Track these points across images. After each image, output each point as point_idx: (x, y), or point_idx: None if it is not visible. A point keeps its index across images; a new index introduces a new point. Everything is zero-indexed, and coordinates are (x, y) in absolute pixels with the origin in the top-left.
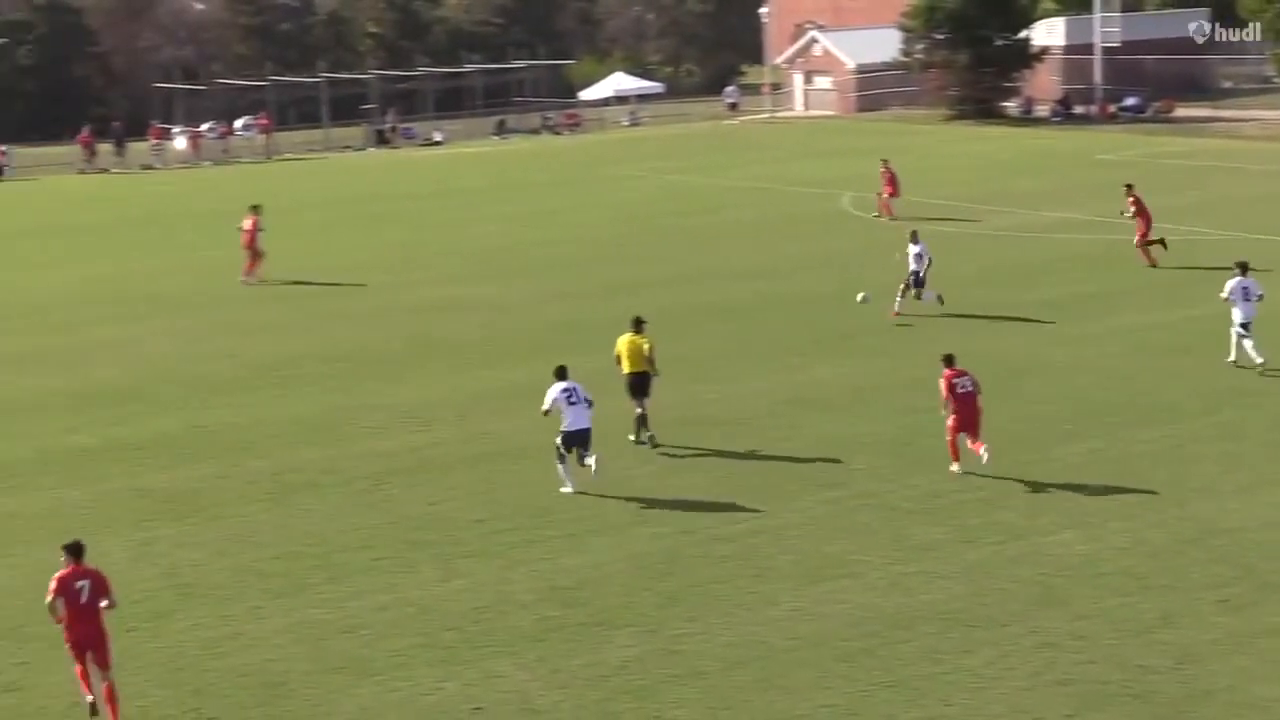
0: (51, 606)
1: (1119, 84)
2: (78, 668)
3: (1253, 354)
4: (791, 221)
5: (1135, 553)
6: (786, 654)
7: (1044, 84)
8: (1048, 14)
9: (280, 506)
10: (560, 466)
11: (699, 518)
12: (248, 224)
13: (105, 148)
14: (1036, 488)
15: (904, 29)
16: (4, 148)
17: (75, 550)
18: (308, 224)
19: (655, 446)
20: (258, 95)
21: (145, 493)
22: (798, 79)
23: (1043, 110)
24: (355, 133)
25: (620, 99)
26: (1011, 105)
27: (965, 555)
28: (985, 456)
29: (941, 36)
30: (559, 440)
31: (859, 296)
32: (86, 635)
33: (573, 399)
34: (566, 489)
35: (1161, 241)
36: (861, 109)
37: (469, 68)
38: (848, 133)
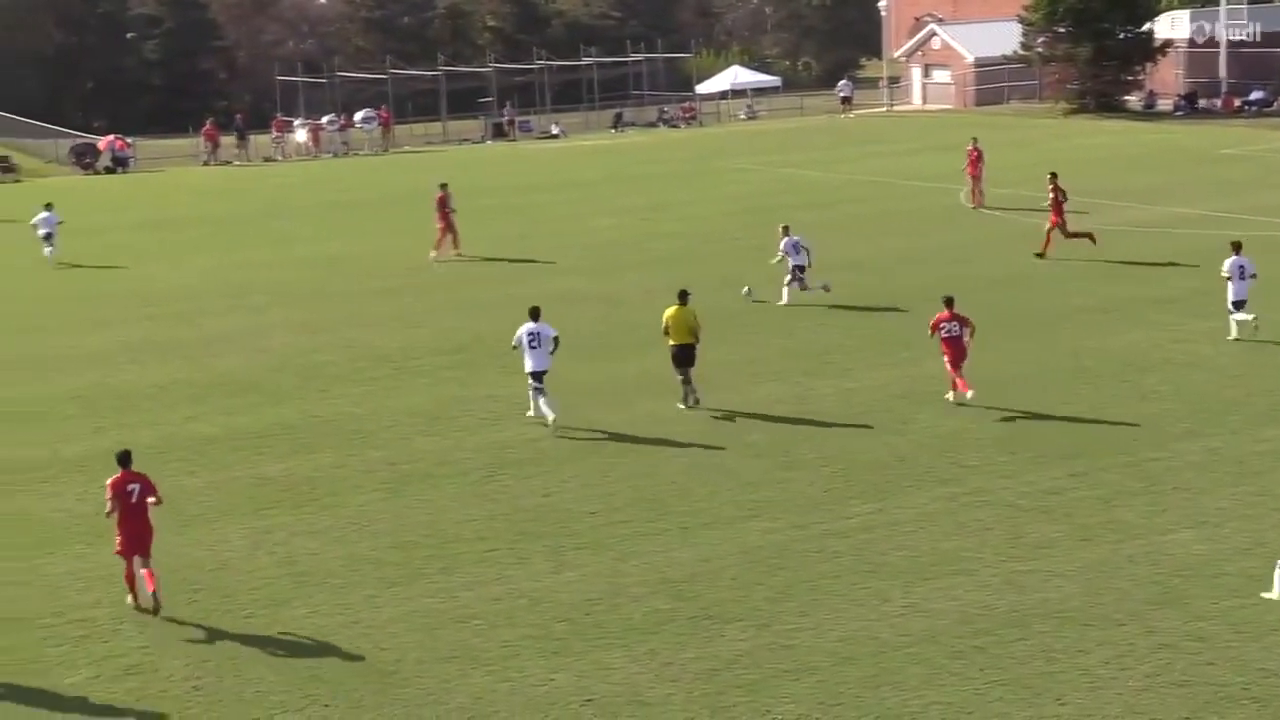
0: (111, 506)
1: (1246, 78)
2: (126, 571)
3: (1245, 319)
4: (907, 216)
5: (1256, 554)
6: (898, 650)
7: (1167, 78)
8: (1171, 6)
9: (396, 496)
10: (533, 400)
11: (811, 512)
12: (440, 204)
13: (228, 140)
14: (1155, 486)
15: (1024, 22)
16: (129, 140)
17: (124, 459)
18: (424, 216)
19: (696, 405)
20: (378, 88)
21: (264, 481)
22: (915, 72)
23: (1165, 104)
24: (473, 125)
25: (737, 92)
26: (1133, 99)
27: (1081, 554)
28: (969, 395)
29: (1063, 30)
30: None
31: (744, 290)
32: (137, 530)
33: (534, 343)
34: (544, 417)
35: (1090, 235)
36: (980, 103)
37: (586, 61)
38: (965, 126)
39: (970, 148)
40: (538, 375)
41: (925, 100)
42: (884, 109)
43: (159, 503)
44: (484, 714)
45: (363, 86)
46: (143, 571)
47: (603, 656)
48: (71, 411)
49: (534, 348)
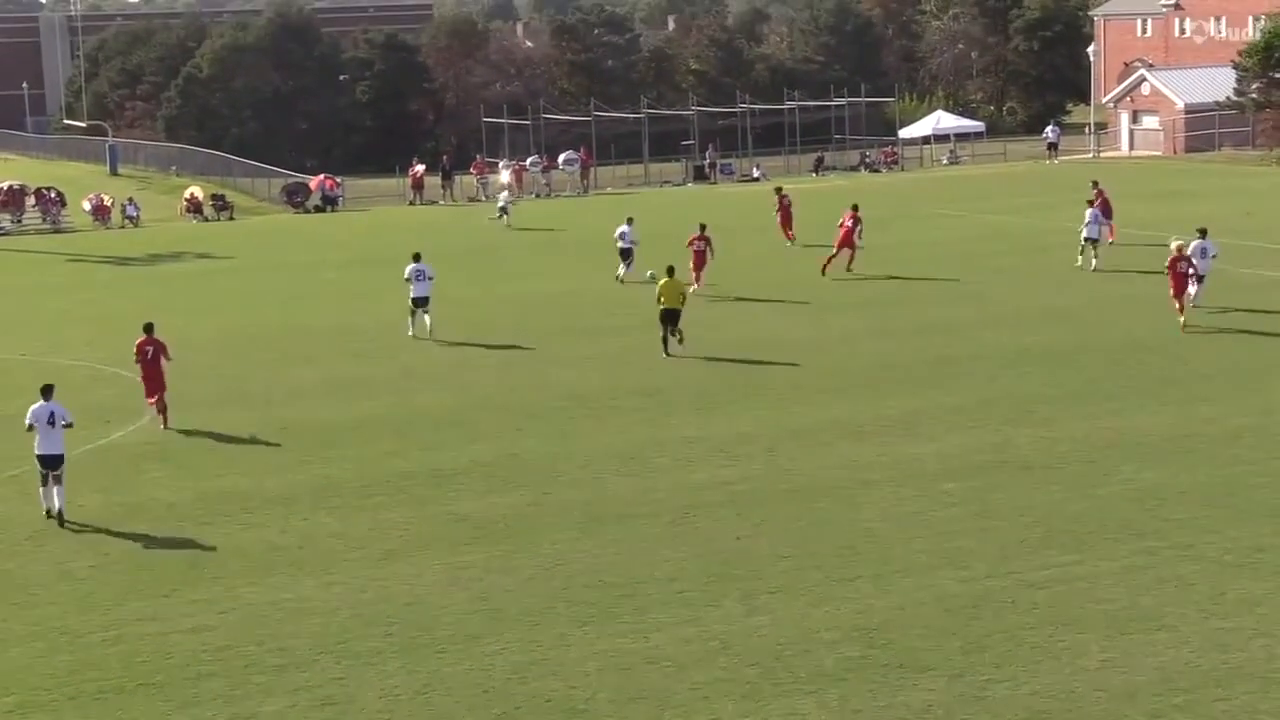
0: (138, 358)
1: None
2: (150, 401)
3: (1195, 297)
4: (1112, 263)
5: None
6: (1094, 707)
7: None
8: None
9: (589, 536)
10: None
11: (1009, 562)
12: (848, 220)
13: (433, 181)
14: None
15: (1239, 68)
16: (339, 179)
17: (148, 327)
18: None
19: (681, 342)
20: (581, 130)
21: (461, 518)
22: (1124, 118)
23: None
24: (675, 168)
25: (940, 137)
26: None
27: None
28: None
29: (1279, 76)
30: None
31: (648, 274)
32: (152, 378)
33: (419, 277)
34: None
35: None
36: (1190, 149)
37: (789, 105)
38: (1176, 174)
39: (1095, 192)
40: (423, 303)
41: (1133, 147)
42: (1090, 155)
43: (169, 360)
44: None
45: (566, 128)
46: (151, 401)
47: (793, 703)
48: (276, 444)
49: (419, 279)
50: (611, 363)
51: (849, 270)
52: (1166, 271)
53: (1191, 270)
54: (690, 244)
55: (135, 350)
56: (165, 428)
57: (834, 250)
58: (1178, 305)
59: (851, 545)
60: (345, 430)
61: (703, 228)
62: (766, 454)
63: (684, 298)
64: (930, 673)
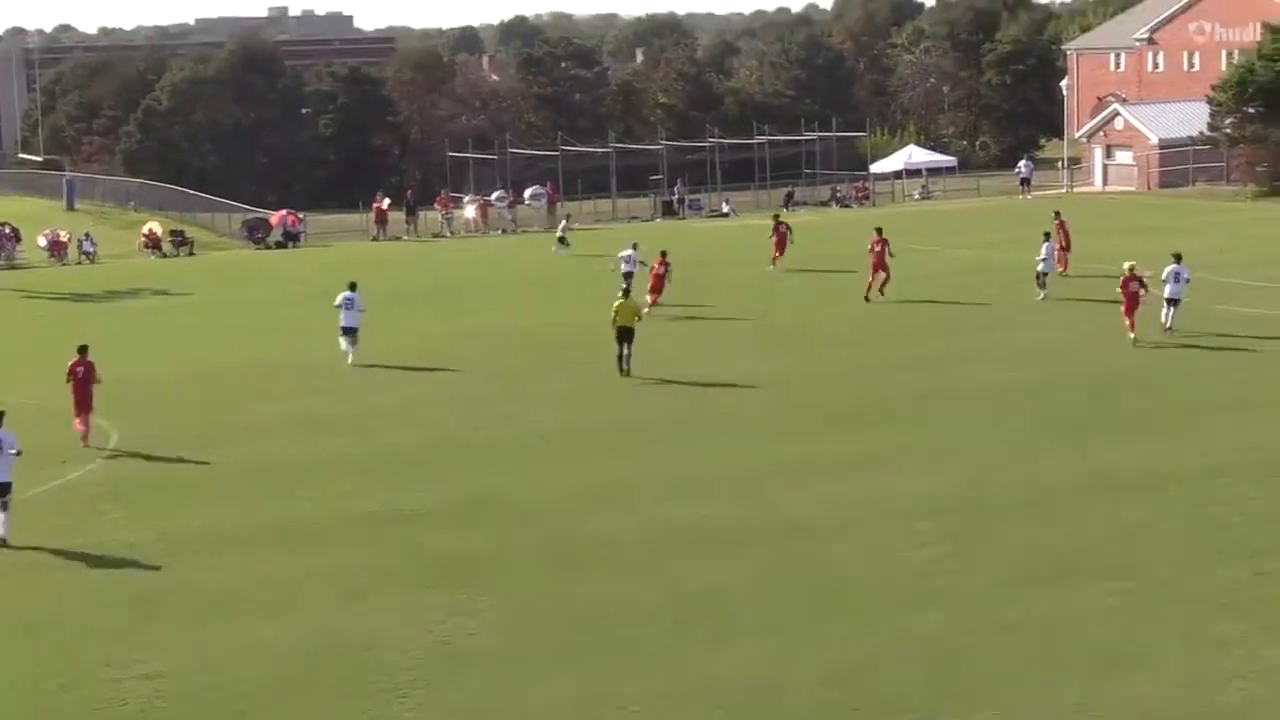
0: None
1: None
2: (76, 420)
3: (1168, 320)
4: (1086, 299)
5: None
6: None
7: None
8: None
9: (558, 577)
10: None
11: (986, 604)
12: (876, 245)
13: (397, 216)
14: None
15: (1213, 102)
16: (301, 215)
17: (83, 349)
18: (585, 295)
19: (627, 374)
20: (548, 164)
21: (424, 559)
22: (1097, 153)
23: None
24: (643, 203)
25: (911, 172)
26: None
27: (1267, 654)
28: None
29: (1253, 110)
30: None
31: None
32: (83, 399)
33: (349, 306)
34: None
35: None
36: (1164, 185)
37: (759, 139)
38: (1150, 209)
39: (1056, 222)
40: (351, 334)
41: (1106, 182)
42: (1063, 190)
43: (99, 383)
44: None
45: (533, 162)
46: (78, 419)
47: None
48: (236, 483)
49: (348, 309)
50: (581, 398)
51: (882, 294)
52: (1120, 290)
53: (1143, 290)
54: (652, 268)
55: (68, 370)
56: (84, 445)
57: (869, 277)
58: (1128, 321)
59: (827, 586)
60: (306, 469)
61: (663, 254)
62: (742, 491)
63: (639, 317)
64: (905, 716)
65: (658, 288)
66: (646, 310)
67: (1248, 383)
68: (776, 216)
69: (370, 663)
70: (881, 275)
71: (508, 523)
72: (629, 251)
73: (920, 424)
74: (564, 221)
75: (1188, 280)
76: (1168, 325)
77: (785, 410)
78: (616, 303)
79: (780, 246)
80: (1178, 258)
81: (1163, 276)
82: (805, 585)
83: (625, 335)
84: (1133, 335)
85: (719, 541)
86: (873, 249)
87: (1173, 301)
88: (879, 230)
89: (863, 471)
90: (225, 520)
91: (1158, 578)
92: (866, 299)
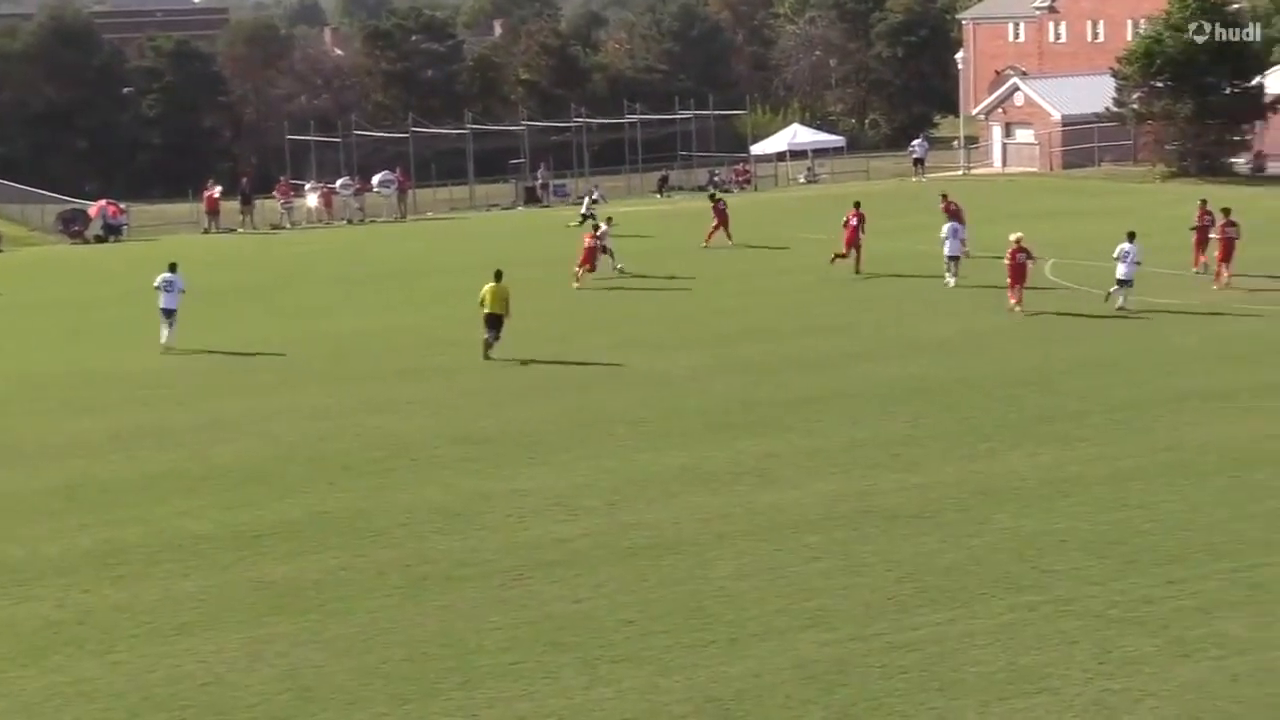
0: None
1: None
2: None
3: (1120, 299)
4: (987, 291)
5: None
6: None
7: (1278, 138)
8: None
9: (411, 602)
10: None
11: (875, 622)
12: (852, 219)
13: (230, 205)
14: (1261, 595)
15: (1118, 76)
16: (123, 205)
17: None
18: (441, 291)
19: (489, 359)
20: (398, 148)
21: (264, 585)
22: (996, 131)
23: (1277, 167)
24: (504, 190)
25: (796, 153)
26: (1240, 161)
27: (1179, 671)
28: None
29: (1161, 84)
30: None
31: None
32: None
33: (168, 288)
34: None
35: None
36: (1068, 165)
37: (630, 119)
38: (1052, 191)
39: (943, 204)
40: (169, 315)
41: (1006, 162)
42: (960, 172)
43: None
44: None
45: (381, 146)
46: None
47: None
48: (54, 506)
49: (168, 291)
50: (434, 408)
51: (857, 273)
52: (1006, 261)
53: (1030, 261)
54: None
55: None
56: None
57: (843, 250)
58: (1011, 295)
59: (703, 606)
60: (133, 488)
61: (597, 225)
62: (607, 507)
63: (508, 305)
64: None
65: (589, 260)
66: (576, 285)
67: (1155, 381)
68: (713, 196)
69: (206, 701)
70: (853, 252)
71: (355, 543)
72: (605, 227)
73: (801, 429)
74: (589, 197)
75: (1138, 262)
76: (1119, 305)
77: (653, 417)
78: (487, 286)
79: (723, 222)
80: (1131, 236)
81: (1115, 254)
82: (680, 608)
83: (493, 322)
84: (1014, 303)
85: (583, 562)
86: (847, 223)
87: (1124, 283)
88: (857, 204)
89: (739, 482)
90: (42, 547)
91: (1060, 592)
92: (857, 271)
